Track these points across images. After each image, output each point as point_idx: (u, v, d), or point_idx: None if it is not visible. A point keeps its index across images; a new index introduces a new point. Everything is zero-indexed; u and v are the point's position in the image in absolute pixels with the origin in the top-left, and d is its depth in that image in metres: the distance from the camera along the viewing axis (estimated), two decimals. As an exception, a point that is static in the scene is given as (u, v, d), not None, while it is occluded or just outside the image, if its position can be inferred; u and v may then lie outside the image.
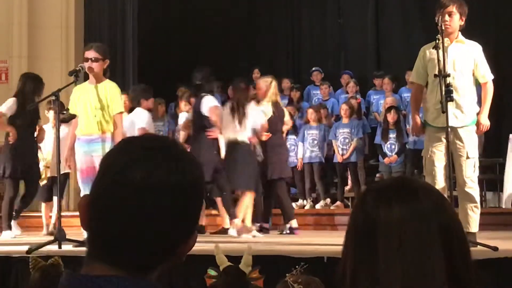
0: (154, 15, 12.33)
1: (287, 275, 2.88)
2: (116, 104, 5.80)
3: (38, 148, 7.64)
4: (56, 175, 6.39)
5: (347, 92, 10.71)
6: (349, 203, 9.42)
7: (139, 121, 7.31)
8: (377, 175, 9.60)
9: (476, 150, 5.23)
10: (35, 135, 7.50)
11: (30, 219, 8.70)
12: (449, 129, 4.95)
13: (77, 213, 1.27)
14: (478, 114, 5.25)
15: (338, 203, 9.26)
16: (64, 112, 6.27)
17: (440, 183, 5.09)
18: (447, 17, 5.16)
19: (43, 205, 8.22)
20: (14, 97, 7.35)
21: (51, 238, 5.50)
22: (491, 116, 5.33)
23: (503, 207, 8.54)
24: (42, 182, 7.95)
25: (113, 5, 11.36)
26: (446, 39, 5.15)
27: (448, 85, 4.89)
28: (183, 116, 8.32)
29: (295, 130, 9.58)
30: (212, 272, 3.43)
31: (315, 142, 9.39)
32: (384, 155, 9.29)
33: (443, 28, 5.07)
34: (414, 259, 1.22)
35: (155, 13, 12.34)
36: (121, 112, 5.90)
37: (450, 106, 4.98)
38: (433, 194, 1.31)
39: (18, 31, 10.19)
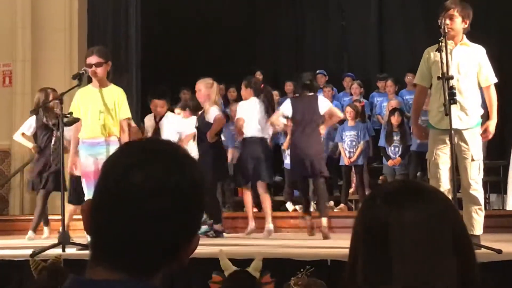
0: (158, 17, 12.33)
1: (292, 279, 2.87)
2: (123, 109, 5.86)
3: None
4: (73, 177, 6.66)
5: (351, 94, 10.71)
6: (353, 206, 9.40)
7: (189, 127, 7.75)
8: (380, 177, 9.58)
9: (480, 152, 5.23)
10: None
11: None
12: (453, 132, 4.94)
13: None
14: (487, 119, 5.25)
15: (341, 205, 9.24)
16: (68, 115, 6.26)
17: (444, 185, 5.09)
18: (448, 21, 5.17)
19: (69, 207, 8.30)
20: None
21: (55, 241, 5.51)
22: (494, 119, 5.33)
23: (507, 209, 8.52)
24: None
25: (116, 7, 11.34)
26: (450, 42, 5.15)
27: (451, 88, 4.88)
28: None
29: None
30: (217, 277, 3.42)
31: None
32: (388, 157, 9.27)
33: (445, 31, 5.07)
34: (427, 261, 1.24)
35: (158, 15, 12.34)
36: (128, 118, 5.97)
37: (455, 108, 4.97)
38: (440, 196, 1.33)
39: (22, 35, 10.19)
